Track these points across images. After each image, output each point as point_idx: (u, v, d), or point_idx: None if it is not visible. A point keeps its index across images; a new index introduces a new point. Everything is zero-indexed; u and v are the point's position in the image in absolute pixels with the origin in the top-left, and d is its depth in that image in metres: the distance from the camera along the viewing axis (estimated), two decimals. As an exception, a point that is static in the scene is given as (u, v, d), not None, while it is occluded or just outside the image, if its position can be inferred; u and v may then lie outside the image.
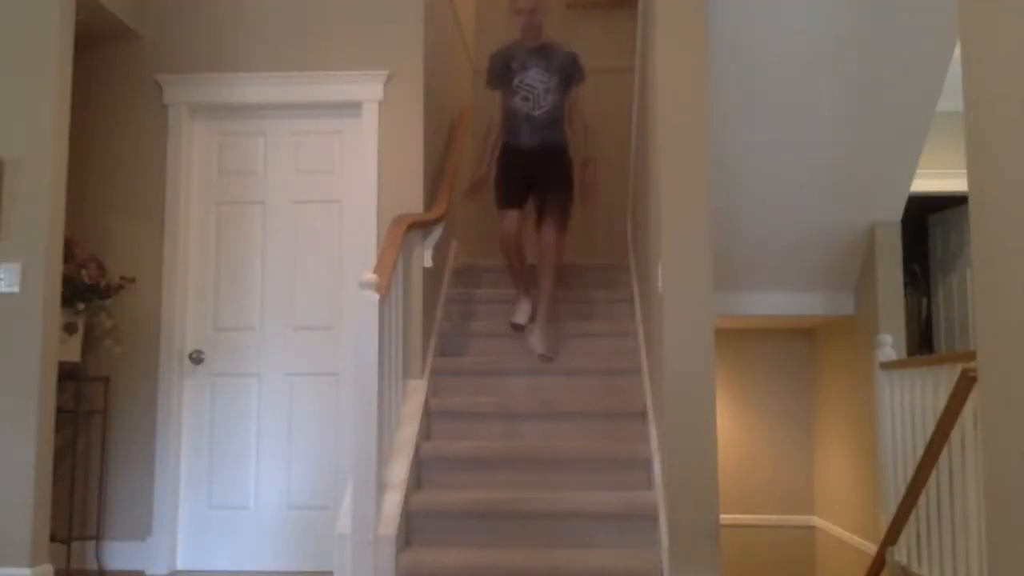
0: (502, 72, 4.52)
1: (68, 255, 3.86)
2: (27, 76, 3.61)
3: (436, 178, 4.62)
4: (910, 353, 5.67)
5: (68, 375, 3.96)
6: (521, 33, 4.52)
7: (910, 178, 4.70)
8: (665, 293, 3.37)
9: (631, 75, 5.36)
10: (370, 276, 3.42)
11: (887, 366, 4.34)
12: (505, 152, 4.55)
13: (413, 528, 3.56)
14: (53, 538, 3.67)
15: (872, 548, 4.39)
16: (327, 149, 4.34)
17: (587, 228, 5.68)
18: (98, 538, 4.08)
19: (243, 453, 4.18)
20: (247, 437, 4.18)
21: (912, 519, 3.80)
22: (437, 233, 4.34)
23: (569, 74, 4.51)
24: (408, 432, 3.82)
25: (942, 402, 3.47)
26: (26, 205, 3.55)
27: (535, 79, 4.46)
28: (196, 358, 4.22)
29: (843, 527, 5.44)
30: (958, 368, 3.27)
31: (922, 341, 6.73)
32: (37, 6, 3.63)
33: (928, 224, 6.80)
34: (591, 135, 4.62)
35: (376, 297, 3.37)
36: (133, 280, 4.17)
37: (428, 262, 4.26)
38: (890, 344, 4.44)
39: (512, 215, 4.42)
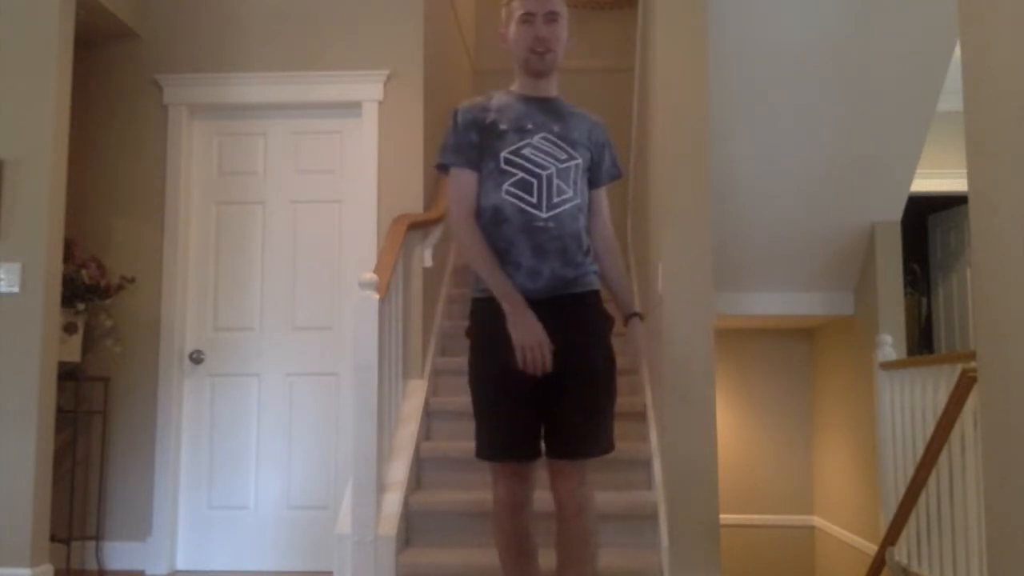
0: (477, 134, 2.41)
1: (68, 255, 3.86)
2: (27, 76, 3.61)
3: (436, 178, 4.62)
4: (910, 353, 5.68)
5: (68, 375, 3.96)
6: (523, 67, 2.45)
7: (910, 178, 4.70)
8: (665, 293, 3.37)
9: (631, 75, 5.36)
10: (370, 276, 3.42)
11: (887, 366, 4.34)
12: (486, 315, 2.36)
13: (413, 528, 3.56)
14: (53, 538, 3.67)
15: (872, 548, 4.40)
16: (327, 149, 4.34)
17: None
18: (98, 538, 4.08)
19: (243, 453, 4.17)
20: (247, 437, 4.18)
21: (912, 519, 3.80)
22: (437, 233, 4.33)
23: (597, 154, 2.48)
24: (408, 432, 3.82)
25: (942, 402, 3.47)
26: (26, 205, 3.55)
27: (544, 150, 2.37)
28: (196, 358, 4.22)
29: (843, 527, 5.44)
30: (958, 368, 3.27)
31: (922, 341, 6.73)
32: (37, 6, 3.63)
33: (928, 224, 6.80)
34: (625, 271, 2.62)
35: (376, 297, 3.37)
36: (133, 280, 4.17)
37: (428, 262, 4.26)
38: (890, 344, 4.44)
39: (510, 475, 2.37)
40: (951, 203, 6.36)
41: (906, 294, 5.07)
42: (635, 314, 2.46)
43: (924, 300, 6.87)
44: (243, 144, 4.36)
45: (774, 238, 4.89)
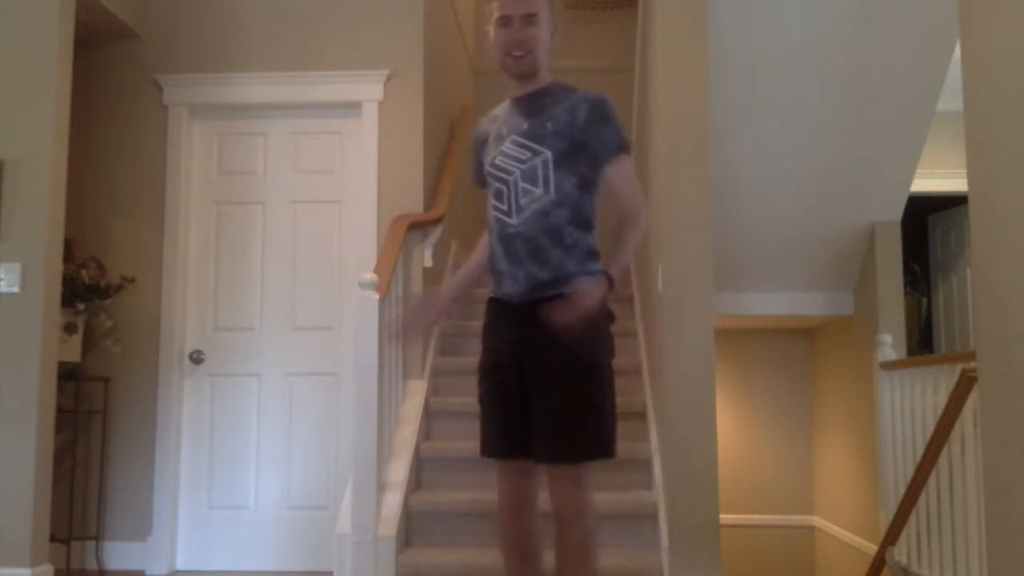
0: (476, 153, 2.50)
1: (68, 255, 3.86)
2: (27, 76, 3.61)
3: (436, 178, 4.62)
4: (910, 353, 5.68)
5: (68, 375, 3.95)
6: (502, 71, 2.40)
7: (910, 178, 4.70)
8: (665, 293, 3.37)
9: (631, 75, 5.36)
10: (370, 276, 3.42)
11: (887, 366, 4.34)
12: (486, 313, 2.46)
13: (413, 528, 3.56)
14: (53, 538, 3.67)
15: (872, 548, 4.40)
16: (327, 149, 4.34)
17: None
18: (98, 538, 4.08)
19: (243, 453, 4.17)
20: (247, 437, 4.18)
21: (912, 519, 3.80)
22: (437, 233, 4.33)
23: (582, 136, 2.30)
24: (408, 432, 3.82)
25: (942, 402, 3.47)
26: (26, 205, 3.55)
27: (511, 155, 2.34)
28: (196, 358, 4.22)
29: (843, 527, 5.44)
30: (958, 368, 3.28)
31: (922, 341, 6.73)
32: (37, 6, 3.63)
33: (928, 224, 6.81)
34: (637, 232, 2.35)
35: (376, 297, 3.37)
36: (133, 280, 4.17)
37: (428, 262, 4.26)
38: (890, 344, 4.44)
39: (510, 474, 2.33)
40: (951, 203, 6.36)
41: (906, 294, 5.07)
42: (602, 273, 2.25)
43: (924, 300, 6.87)
44: (243, 144, 4.36)
45: (774, 238, 4.89)
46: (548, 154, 2.30)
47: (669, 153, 3.43)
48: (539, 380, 2.26)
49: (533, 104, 2.37)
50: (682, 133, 3.42)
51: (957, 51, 4.05)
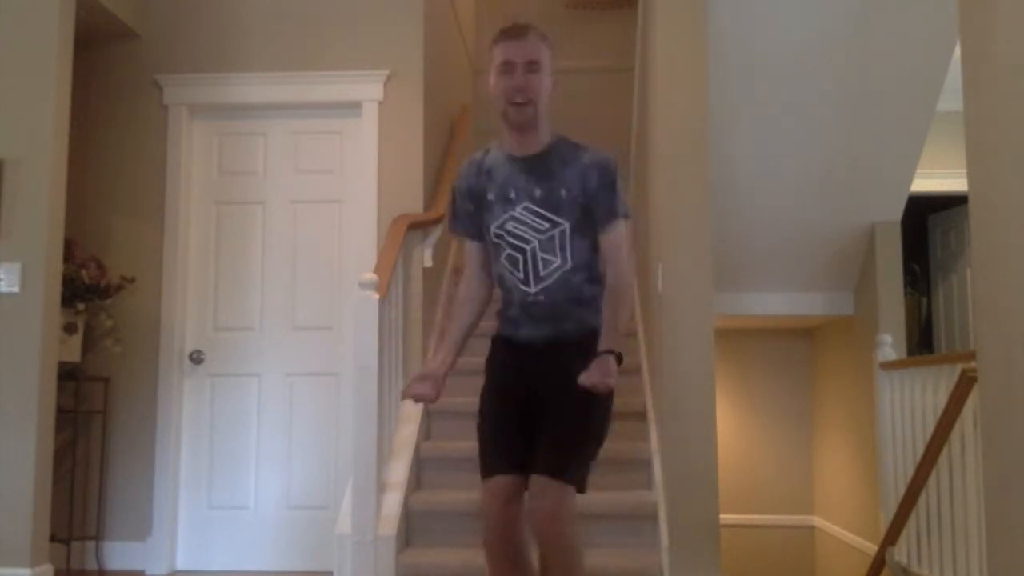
0: (473, 202, 2.43)
1: (68, 255, 3.86)
2: (27, 76, 3.60)
3: (436, 178, 4.62)
4: (910, 353, 5.67)
5: (68, 375, 3.95)
6: (503, 119, 2.35)
7: (910, 178, 4.71)
8: (665, 293, 3.37)
9: (631, 75, 5.36)
10: (370, 276, 3.42)
11: (887, 366, 4.34)
12: (495, 348, 2.51)
13: (413, 528, 3.56)
14: (53, 538, 3.67)
15: (872, 548, 4.39)
16: (327, 149, 4.34)
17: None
18: (98, 538, 4.08)
19: (243, 453, 4.17)
20: (247, 437, 4.18)
21: (912, 519, 3.80)
22: (437, 233, 4.33)
23: (592, 199, 2.31)
24: (408, 432, 3.82)
25: (942, 402, 3.47)
26: (26, 205, 3.55)
27: (526, 222, 2.32)
28: (196, 358, 4.22)
29: (843, 527, 5.44)
30: (958, 368, 3.28)
31: (922, 341, 6.73)
32: (37, 6, 3.63)
33: (928, 224, 6.81)
34: (627, 310, 2.37)
35: (376, 297, 3.37)
36: (133, 280, 4.17)
37: (428, 262, 4.26)
38: (890, 344, 4.44)
39: (501, 485, 2.30)
40: (951, 203, 6.35)
41: (906, 294, 5.07)
42: (607, 352, 2.22)
43: (924, 300, 6.87)
44: (243, 144, 4.36)
45: (774, 238, 4.89)
46: (566, 225, 2.31)
47: (669, 153, 3.43)
48: (551, 398, 2.30)
49: (541, 166, 2.32)
50: (682, 133, 3.42)
51: (957, 51, 4.05)
